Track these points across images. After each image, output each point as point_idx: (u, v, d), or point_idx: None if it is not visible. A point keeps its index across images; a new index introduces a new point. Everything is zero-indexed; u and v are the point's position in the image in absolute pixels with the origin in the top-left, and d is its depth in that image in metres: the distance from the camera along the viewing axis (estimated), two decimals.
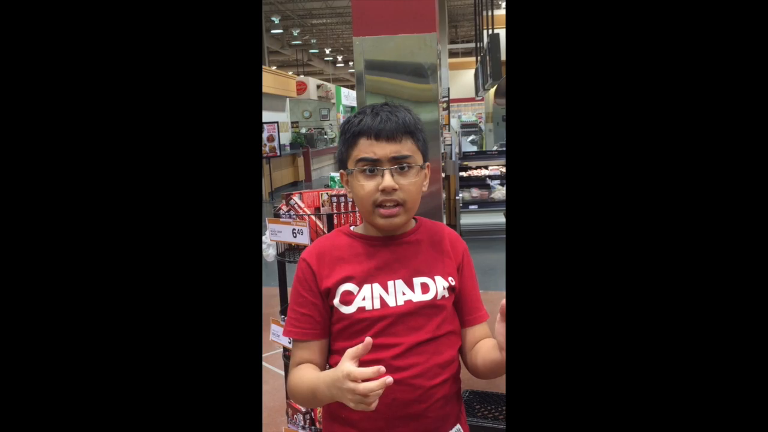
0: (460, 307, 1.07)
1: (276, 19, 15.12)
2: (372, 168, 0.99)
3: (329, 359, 1.05)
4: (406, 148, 1.00)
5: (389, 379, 0.82)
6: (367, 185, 0.99)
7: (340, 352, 1.01)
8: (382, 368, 0.82)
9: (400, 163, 0.99)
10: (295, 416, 1.99)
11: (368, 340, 0.86)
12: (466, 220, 5.93)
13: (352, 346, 0.99)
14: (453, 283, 1.04)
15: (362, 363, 0.99)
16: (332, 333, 1.03)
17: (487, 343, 1.04)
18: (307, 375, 0.98)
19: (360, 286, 1.01)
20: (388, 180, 0.98)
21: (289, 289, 1.16)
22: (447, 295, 1.03)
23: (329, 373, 0.92)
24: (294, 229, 1.86)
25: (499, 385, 2.61)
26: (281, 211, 2.00)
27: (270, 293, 2.79)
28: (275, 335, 1.94)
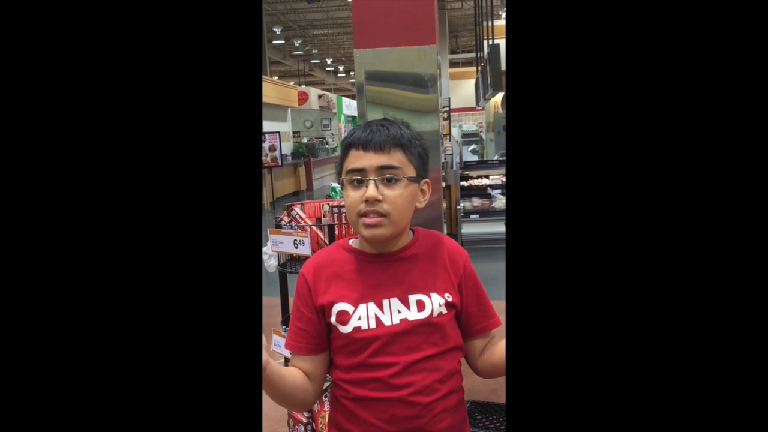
0: (467, 319, 1.05)
1: (278, 30, 15.22)
2: (360, 178, 0.98)
3: (331, 373, 1.05)
4: (394, 159, 0.98)
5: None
6: (353, 195, 0.99)
7: (341, 368, 1.02)
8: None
9: (386, 174, 0.98)
10: (296, 427, 1.98)
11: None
12: (467, 229, 5.93)
13: (352, 364, 1.00)
14: (450, 300, 1.02)
15: (361, 381, 0.99)
16: (333, 348, 1.03)
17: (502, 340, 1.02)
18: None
19: (355, 305, 1.00)
20: (371, 190, 0.97)
21: (290, 300, 1.17)
22: (444, 311, 1.01)
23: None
24: (295, 240, 1.86)
25: (500, 395, 2.60)
26: (283, 222, 2.00)
27: (271, 303, 2.78)
28: (276, 346, 1.94)
